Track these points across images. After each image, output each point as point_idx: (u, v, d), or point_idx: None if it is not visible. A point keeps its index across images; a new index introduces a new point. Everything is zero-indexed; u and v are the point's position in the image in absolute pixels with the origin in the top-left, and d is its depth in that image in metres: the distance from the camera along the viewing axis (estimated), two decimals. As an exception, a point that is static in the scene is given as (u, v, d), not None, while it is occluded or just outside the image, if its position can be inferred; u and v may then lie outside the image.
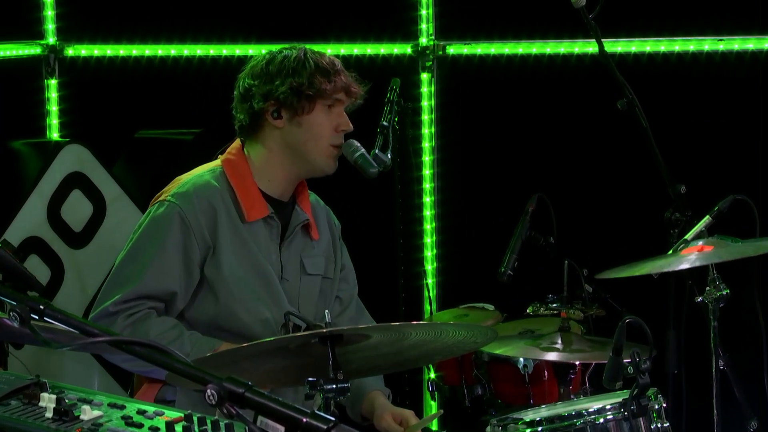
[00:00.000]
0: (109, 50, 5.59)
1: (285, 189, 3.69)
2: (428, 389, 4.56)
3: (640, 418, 3.31)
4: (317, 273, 3.73)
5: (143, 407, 2.32)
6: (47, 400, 2.29)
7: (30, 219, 5.01)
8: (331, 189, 3.95)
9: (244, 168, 3.65)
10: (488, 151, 5.55)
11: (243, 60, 5.29)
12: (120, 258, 3.59)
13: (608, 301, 4.42)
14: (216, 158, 3.74)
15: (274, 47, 3.70)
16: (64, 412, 2.25)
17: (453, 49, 5.53)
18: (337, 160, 3.69)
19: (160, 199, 3.60)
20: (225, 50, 5.54)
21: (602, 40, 4.09)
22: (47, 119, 5.58)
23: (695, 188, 4.11)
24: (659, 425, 3.35)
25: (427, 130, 5.53)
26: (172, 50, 5.58)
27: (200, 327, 3.56)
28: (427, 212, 5.55)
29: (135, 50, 5.59)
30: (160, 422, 2.25)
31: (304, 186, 3.76)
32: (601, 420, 3.33)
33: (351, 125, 3.66)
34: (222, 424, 2.25)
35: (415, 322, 4.43)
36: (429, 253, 5.56)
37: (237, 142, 3.71)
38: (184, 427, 2.24)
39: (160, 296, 3.52)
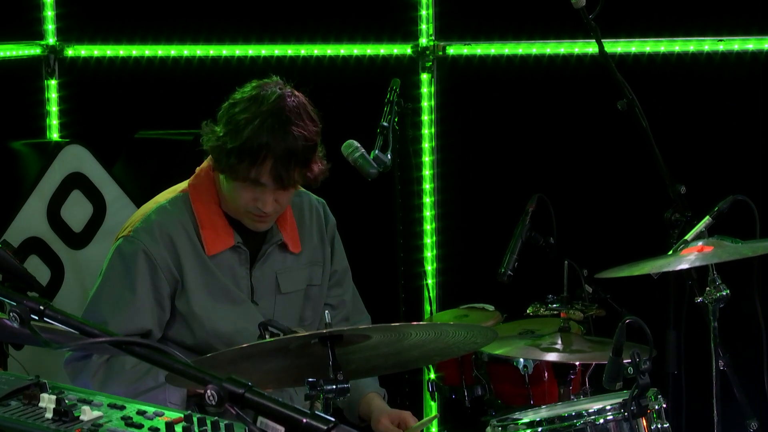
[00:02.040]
0: (109, 51, 5.59)
1: None
2: (428, 389, 4.56)
3: (641, 419, 3.31)
4: (294, 290, 3.67)
5: (143, 408, 2.32)
6: (47, 401, 2.29)
7: (30, 219, 5.00)
8: (331, 189, 3.94)
9: (210, 193, 3.55)
10: (488, 152, 5.55)
11: (243, 60, 5.33)
12: (92, 296, 3.54)
13: (608, 302, 4.42)
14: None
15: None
16: (64, 413, 2.25)
17: (453, 50, 5.52)
18: (270, 223, 3.55)
19: (124, 234, 3.54)
20: (225, 51, 5.52)
21: (602, 40, 4.09)
22: (47, 119, 5.58)
23: (695, 188, 4.11)
24: (659, 426, 3.35)
25: (427, 131, 5.53)
26: (172, 51, 5.58)
27: (182, 353, 3.52)
28: (427, 212, 5.54)
29: (135, 51, 5.58)
30: (160, 423, 2.25)
31: None
32: (601, 420, 3.33)
33: (269, 208, 3.46)
34: (222, 425, 2.25)
35: (415, 323, 4.42)
36: (429, 254, 5.55)
37: (209, 160, 3.58)
38: (184, 428, 2.24)
39: (134, 335, 3.46)
